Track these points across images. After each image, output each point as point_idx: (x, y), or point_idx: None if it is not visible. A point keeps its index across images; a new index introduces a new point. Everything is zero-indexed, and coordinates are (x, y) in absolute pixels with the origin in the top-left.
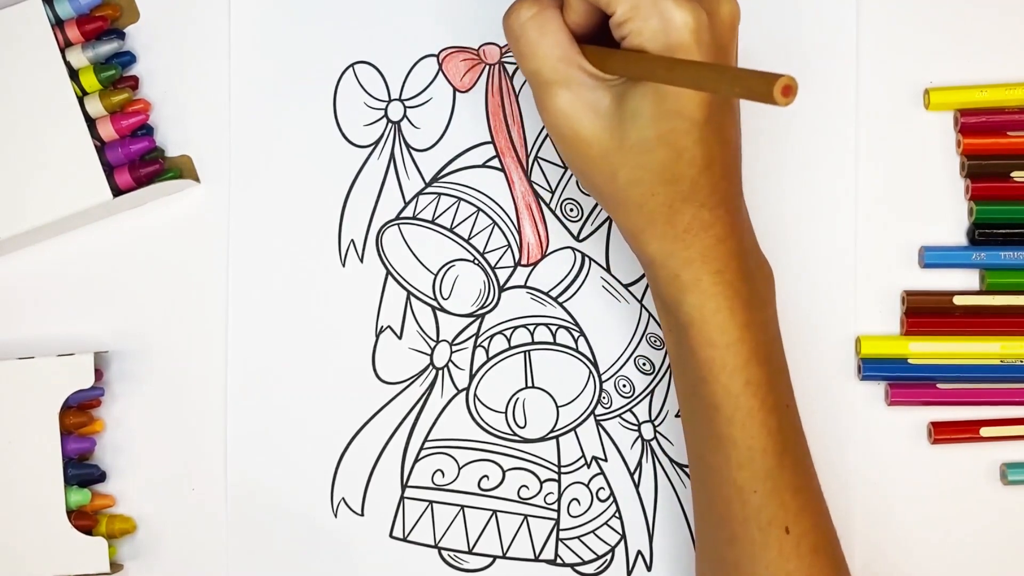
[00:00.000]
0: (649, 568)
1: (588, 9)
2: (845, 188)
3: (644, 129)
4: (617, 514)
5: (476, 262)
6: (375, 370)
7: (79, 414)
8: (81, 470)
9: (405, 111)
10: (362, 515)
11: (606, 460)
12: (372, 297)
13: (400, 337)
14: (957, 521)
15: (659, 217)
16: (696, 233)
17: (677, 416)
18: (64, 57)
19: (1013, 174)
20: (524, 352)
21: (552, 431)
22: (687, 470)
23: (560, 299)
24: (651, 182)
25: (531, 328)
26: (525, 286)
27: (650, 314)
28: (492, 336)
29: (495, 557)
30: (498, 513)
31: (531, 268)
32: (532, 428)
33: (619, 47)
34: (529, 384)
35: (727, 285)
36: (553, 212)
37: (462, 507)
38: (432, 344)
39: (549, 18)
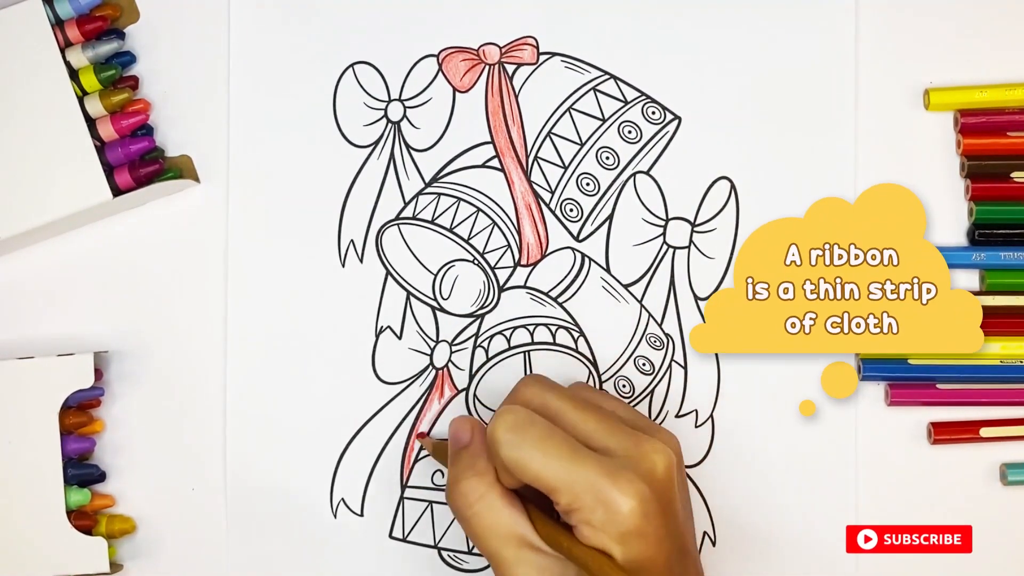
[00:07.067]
0: None
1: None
2: (845, 187)
3: None
4: None
5: (476, 262)
6: (375, 370)
7: (79, 414)
8: (81, 470)
9: (405, 111)
10: (362, 515)
11: None
12: (372, 297)
13: (400, 337)
14: (957, 521)
15: None
16: None
17: (677, 416)
18: (64, 57)
19: (1013, 174)
20: (524, 352)
21: None
22: (687, 470)
23: (560, 299)
24: None
25: (531, 328)
26: (525, 286)
27: (650, 314)
28: (492, 336)
29: None
30: None
31: (531, 268)
32: None
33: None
34: None
35: None
36: (553, 212)
37: None
38: (432, 344)
39: (498, 495)
